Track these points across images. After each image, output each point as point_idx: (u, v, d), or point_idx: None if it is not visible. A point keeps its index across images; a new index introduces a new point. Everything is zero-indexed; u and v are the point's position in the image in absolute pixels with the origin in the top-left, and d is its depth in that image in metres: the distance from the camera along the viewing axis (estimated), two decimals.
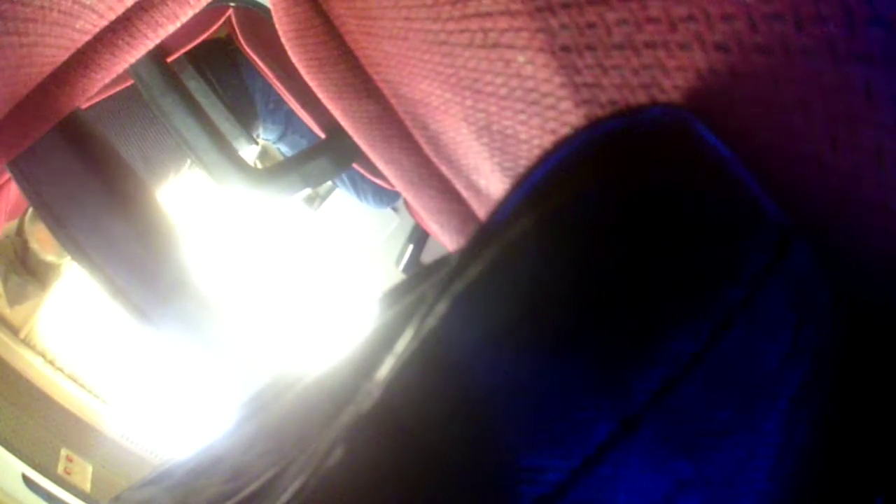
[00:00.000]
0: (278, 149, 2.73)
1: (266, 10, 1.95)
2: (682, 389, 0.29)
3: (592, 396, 0.28)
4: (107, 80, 0.85)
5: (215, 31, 2.11)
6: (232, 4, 2.03)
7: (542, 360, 0.28)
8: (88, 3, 0.65)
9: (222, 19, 2.08)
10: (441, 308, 0.30)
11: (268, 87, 2.36)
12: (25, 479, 3.41)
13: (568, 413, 0.27)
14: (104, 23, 0.74)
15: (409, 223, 2.96)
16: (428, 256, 2.92)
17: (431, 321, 0.30)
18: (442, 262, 0.42)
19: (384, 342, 0.33)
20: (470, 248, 0.32)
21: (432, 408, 0.28)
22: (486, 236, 0.33)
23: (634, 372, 0.28)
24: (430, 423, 0.28)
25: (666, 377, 0.28)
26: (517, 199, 0.33)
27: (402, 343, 0.31)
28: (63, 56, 0.75)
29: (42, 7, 0.57)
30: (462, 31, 0.53)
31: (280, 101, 2.39)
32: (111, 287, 0.92)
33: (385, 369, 0.30)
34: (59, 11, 0.61)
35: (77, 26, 0.69)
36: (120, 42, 0.80)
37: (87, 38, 0.75)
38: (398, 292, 0.41)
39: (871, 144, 0.30)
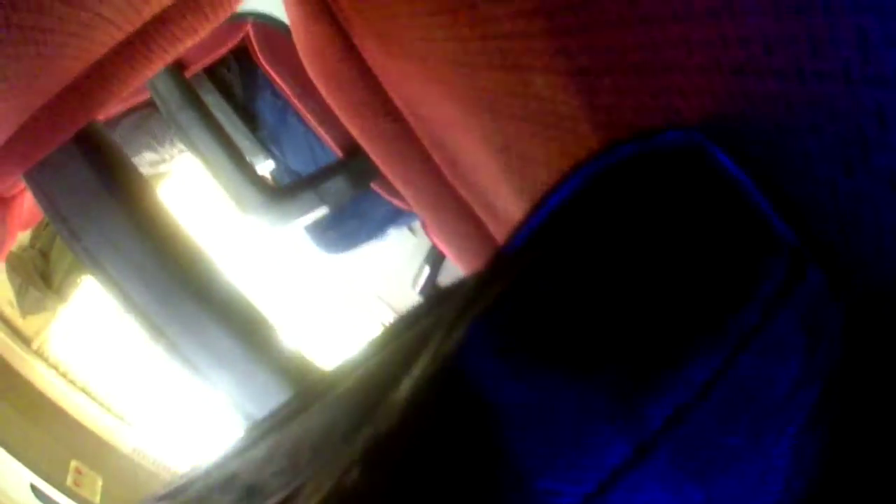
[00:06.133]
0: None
1: (284, 27, 1.95)
2: (695, 416, 0.29)
3: (607, 422, 0.28)
4: (124, 93, 0.85)
5: (233, 47, 2.11)
6: (250, 19, 2.03)
7: (559, 385, 0.28)
8: (107, 15, 0.65)
9: (240, 34, 2.09)
10: (459, 333, 0.30)
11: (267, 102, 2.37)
12: (34, 489, 3.42)
13: (583, 438, 0.27)
14: (122, 36, 0.74)
15: (425, 244, 2.96)
16: (444, 278, 2.92)
17: (449, 345, 0.30)
18: (459, 285, 0.42)
19: (401, 364, 0.33)
20: (488, 273, 0.32)
21: (449, 431, 0.28)
22: (503, 262, 0.33)
23: (649, 398, 0.28)
24: (447, 446, 0.28)
25: (679, 404, 0.28)
26: (534, 224, 0.33)
27: (420, 366, 0.31)
28: (81, 68, 0.75)
29: (61, 19, 0.57)
30: (481, 53, 0.54)
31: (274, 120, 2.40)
32: (126, 302, 0.92)
33: (403, 391, 0.30)
34: (78, 23, 0.61)
35: (95, 38, 0.69)
36: (138, 55, 0.81)
37: (105, 50, 0.75)
38: (415, 315, 0.41)
39: (883, 168, 0.30)
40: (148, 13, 0.74)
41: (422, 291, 2.93)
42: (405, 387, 0.31)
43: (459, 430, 0.28)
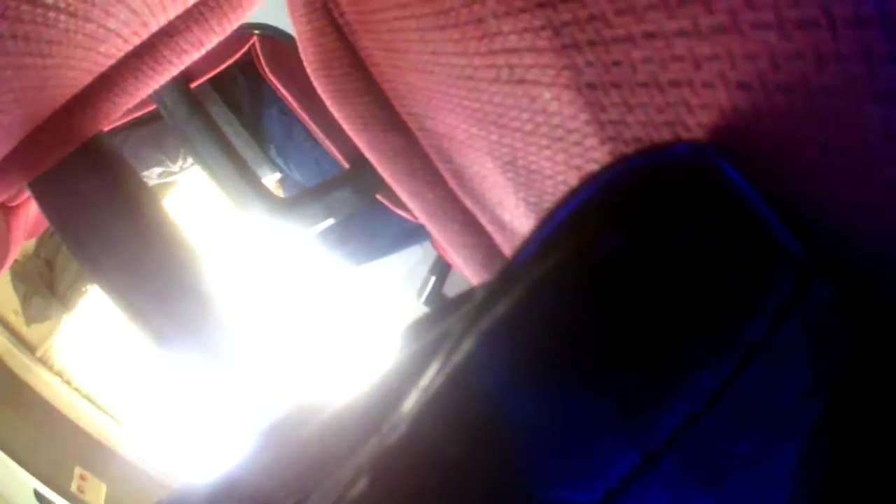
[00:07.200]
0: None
1: (290, 39, 1.95)
2: (703, 425, 0.29)
3: (616, 432, 0.28)
4: (130, 105, 0.86)
5: (239, 58, 2.11)
6: (256, 32, 2.03)
7: (568, 396, 0.28)
8: (113, 27, 0.66)
9: (246, 46, 2.09)
10: (467, 345, 0.30)
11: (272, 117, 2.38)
12: (37, 495, 3.42)
13: (592, 448, 0.28)
14: (129, 48, 0.75)
15: (431, 255, 2.95)
16: (450, 288, 2.91)
17: (458, 357, 0.30)
18: (465, 296, 0.42)
19: (409, 376, 0.33)
20: (496, 285, 0.33)
21: (458, 442, 0.28)
22: (512, 274, 0.33)
23: (657, 408, 0.28)
24: (455, 457, 0.28)
25: (687, 413, 0.29)
26: (543, 237, 0.34)
27: (428, 377, 0.31)
28: (87, 79, 0.75)
29: (67, 30, 0.57)
30: (488, 67, 0.54)
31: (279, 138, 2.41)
32: (131, 311, 0.92)
33: (411, 403, 0.31)
34: (84, 35, 0.61)
35: (101, 50, 0.69)
36: (144, 67, 0.81)
37: (111, 62, 0.75)
38: (422, 326, 0.41)
39: (889, 182, 0.30)
40: (154, 25, 0.75)
41: (427, 302, 2.92)
42: (412, 399, 0.31)
43: (467, 443, 0.28)
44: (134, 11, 0.67)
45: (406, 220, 2.34)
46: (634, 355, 0.29)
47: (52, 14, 0.54)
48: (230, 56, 2.08)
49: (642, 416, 0.28)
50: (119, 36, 0.69)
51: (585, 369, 0.29)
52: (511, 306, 0.31)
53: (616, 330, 0.30)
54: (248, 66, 2.27)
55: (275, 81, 2.17)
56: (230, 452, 0.44)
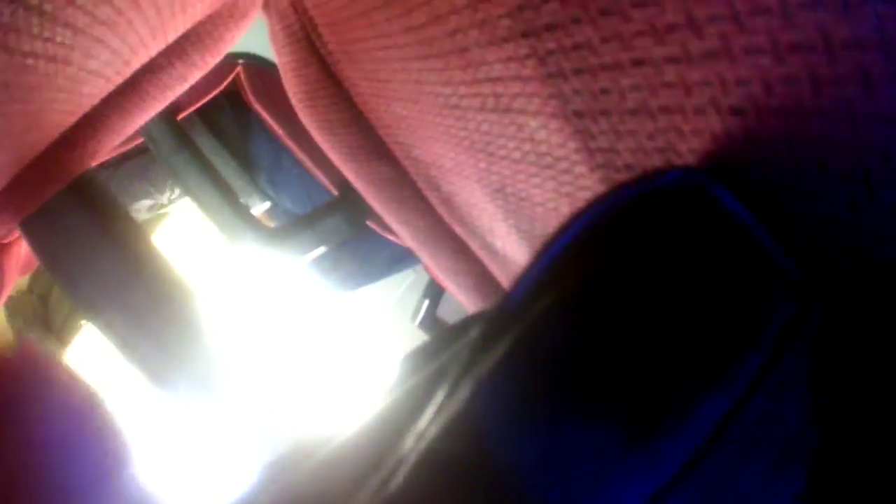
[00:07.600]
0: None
1: (275, 67, 1.95)
2: (708, 459, 0.28)
3: (622, 471, 0.27)
4: (117, 143, 0.85)
5: (225, 88, 2.11)
6: (240, 61, 2.03)
7: (571, 437, 0.28)
8: (95, 68, 0.65)
9: (231, 75, 2.09)
10: (464, 392, 0.30)
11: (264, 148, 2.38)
12: None
13: (599, 488, 0.27)
14: (112, 87, 0.74)
15: (423, 278, 2.95)
16: (443, 311, 2.91)
17: (455, 405, 0.30)
18: (462, 327, 0.42)
19: (407, 415, 0.33)
20: (492, 327, 0.32)
21: (461, 490, 0.28)
22: (506, 315, 0.32)
23: (662, 445, 0.28)
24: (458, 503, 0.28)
25: (692, 448, 0.28)
26: (536, 273, 0.33)
27: (425, 421, 0.31)
28: (71, 120, 0.75)
29: (47, 74, 0.57)
30: (474, 96, 0.53)
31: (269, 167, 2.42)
32: (125, 349, 0.92)
33: (408, 447, 0.30)
34: (65, 78, 0.61)
35: (84, 91, 0.69)
36: (128, 105, 0.81)
37: (95, 101, 0.75)
38: (419, 357, 0.41)
39: (889, 205, 0.29)
40: (136, 63, 0.74)
41: (422, 325, 2.92)
42: (410, 442, 0.30)
43: (471, 490, 0.28)
44: (115, 52, 0.66)
45: (397, 245, 2.35)
46: (635, 393, 0.29)
47: (29, 61, 0.53)
48: (216, 86, 2.07)
49: (648, 454, 0.28)
50: (101, 76, 0.69)
51: (587, 410, 0.28)
52: (506, 351, 0.31)
53: (614, 368, 0.29)
54: (234, 94, 2.27)
55: (261, 110, 2.17)
56: (229, 490, 0.44)
